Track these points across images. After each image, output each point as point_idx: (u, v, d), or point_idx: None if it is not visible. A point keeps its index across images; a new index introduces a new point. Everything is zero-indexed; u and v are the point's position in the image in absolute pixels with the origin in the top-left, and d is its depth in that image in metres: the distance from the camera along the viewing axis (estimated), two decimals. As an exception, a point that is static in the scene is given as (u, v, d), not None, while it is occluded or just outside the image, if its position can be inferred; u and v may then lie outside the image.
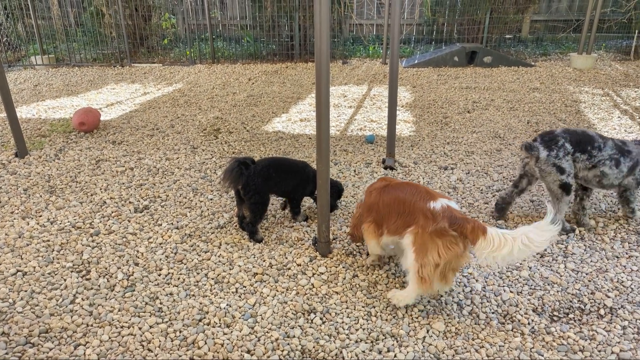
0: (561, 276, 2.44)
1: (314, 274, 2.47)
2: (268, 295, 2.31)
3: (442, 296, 2.28)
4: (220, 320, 2.14)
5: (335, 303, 2.24)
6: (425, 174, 3.75)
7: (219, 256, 2.64)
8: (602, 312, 2.18)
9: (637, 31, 8.50)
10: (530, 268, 2.51)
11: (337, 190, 3.11)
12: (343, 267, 2.52)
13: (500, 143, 4.44)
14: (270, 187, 2.82)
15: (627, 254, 2.64)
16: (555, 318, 2.15)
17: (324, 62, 2.23)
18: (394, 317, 2.15)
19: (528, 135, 4.65)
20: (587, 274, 2.46)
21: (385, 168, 3.86)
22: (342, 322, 2.12)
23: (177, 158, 4.12)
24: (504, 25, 9.26)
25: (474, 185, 3.55)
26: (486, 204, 3.24)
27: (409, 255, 2.11)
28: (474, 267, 2.53)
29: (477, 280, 2.41)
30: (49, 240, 2.79)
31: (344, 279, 2.42)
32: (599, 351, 1.96)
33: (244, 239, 2.81)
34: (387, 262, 2.57)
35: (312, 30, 8.84)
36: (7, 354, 1.96)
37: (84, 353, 1.96)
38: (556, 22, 10.03)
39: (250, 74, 7.87)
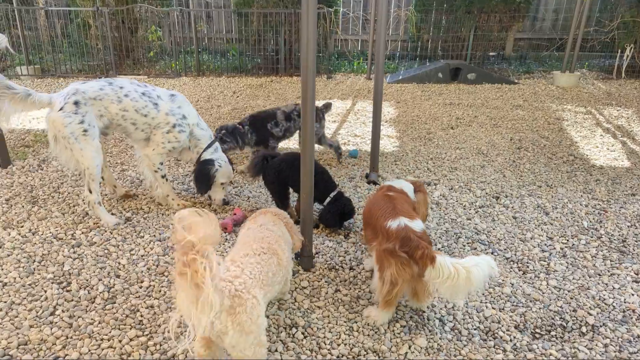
0: (543, 293, 2.49)
1: (296, 288, 2.48)
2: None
3: (424, 312, 2.31)
4: (201, 333, 2.13)
5: (317, 317, 2.26)
6: (408, 189, 3.81)
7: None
8: (584, 329, 2.22)
9: (619, 50, 8.80)
10: (512, 284, 2.56)
11: (342, 207, 3.01)
12: (325, 282, 2.54)
13: (484, 159, 4.55)
14: (283, 179, 3.09)
15: (609, 271, 2.71)
16: (537, 335, 2.19)
17: (310, 76, 2.28)
18: (375, 332, 2.18)
19: (511, 152, 4.77)
20: (569, 292, 2.51)
21: (369, 183, 3.91)
22: (324, 337, 2.13)
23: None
24: (487, 42, 9.51)
25: (457, 201, 3.62)
26: (469, 219, 3.31)
27: (374, 270, 2.17)
28: (454, 280, 2.57)
29: (456, 294, 2.46)
30: (30, 251, 2.76)
31: (327, 293, 2.44)
32: (573, 363, 2.01)
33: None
34: (370, 276, 2.61)
35: (297, 44, 8.96)
36: (-17, 367, 1.93)
37: (63, 366, 1.94)
38: (540, 41, 10.33)
39: (235, 87, 7.91)
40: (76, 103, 2.90)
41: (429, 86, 8.12)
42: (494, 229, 3.19)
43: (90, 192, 3.07)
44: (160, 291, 2.44)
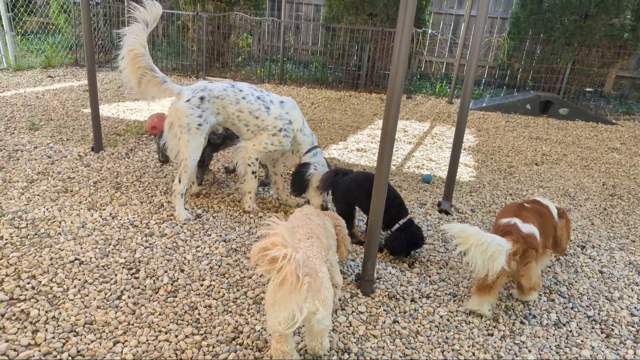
0: (626, 362, 2.21)
1: (353, 312, 2.40)
2: (304, 326, 2.26)
3: None
4: (253, 342, 2.12)
5: (371, 347, 2.16)
6: (483, 224, 3.59)
7: (260, 276, 2.64)
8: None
9: None
10: (592, 348, 2.29)
11: (411, 236, 2.88)
12: (384, 310, 2.43)
13: (570, 203, 4.18)
14: (351, 199, 3.01)
15: None
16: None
17: (395, 96, 2.22)
18: (431, 372, 2.03)
19: (602, 198, 4.35)
20: (656, 363, 2.21)
21: (440, 212, 3.73)
22: (376, 368, 2.03)
23: (235, 171, 4.23)
24: (585, 77, 8.85)
25: (534, 243, 3.34)
26: (548, 267, 3.03)
27: None
28: (528, 335, 2.35)
29: (529, 351, 2.24)
30: (107, 235, 2.93)
31: (384, 322, 2.33)
32: None
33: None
34: (427, 314, 2.45)
35: (380, 62, 8.92)
36: (53, 337, 2.05)
37: (122, 351, 2.01)
38: (644, 80, 9.46)
39: (314, 99, 8.02)
40: (202, 98, 3.17)
41: (515, 117, 7.69)
42: (576, 281, 2.89)
43: (179, 182, 3.26)
44: (219, 292, 2.47)
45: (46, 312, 2.19)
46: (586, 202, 4.22)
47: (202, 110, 3.15)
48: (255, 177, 3.44)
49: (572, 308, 2.62)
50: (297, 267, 1.60)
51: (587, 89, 9.20)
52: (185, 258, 2.76)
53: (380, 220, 2.44)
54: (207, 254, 2.83)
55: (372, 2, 8.59)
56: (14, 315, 2.15)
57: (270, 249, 1.61)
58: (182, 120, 3.13)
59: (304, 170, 3.35)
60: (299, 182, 3.36)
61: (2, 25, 7.66)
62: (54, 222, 3.01)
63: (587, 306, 2.65)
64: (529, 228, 2.45)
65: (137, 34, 3.06)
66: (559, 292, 2.75)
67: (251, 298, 2.44)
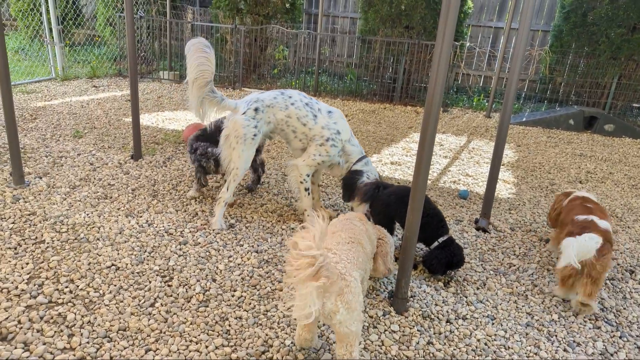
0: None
1: (385, 331, 2.33)
2: (334, 343, 2.21)
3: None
4: (282, 358, 2.08)
5: (404, 367, 2.08)
6: (523, 244, 3.44)
7: (291, 289, 2.61)
8: None
9: None
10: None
11: (451, 256, 2.77)
12: (418, 330, 2.35)
13: (617, 224, 3.96)
14: (390, 213, 2.96)
15: None
16: None
17: (434, 109, 2.16)
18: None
19: (650, 219, 4.10)
20: None
21: (478, 229, 3.61)
22: (409, 391, 1.95)
23: (267, 182, 4.25)
24: (633, 92, 8.46)
25: (578, 265, 3.17)
26: (591, 290, 2.86)
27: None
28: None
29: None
30: (143, 241, 2.98)
31: (418, 343, 2.25)
32: None
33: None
34: (463, 336, 2.35)
35: (416, 74, 8.82)
36: (88, 342, 2.08)
37: (153, 359, 2.01)
38: (696, 97, 8.94)
39: (348, 111, 8.01)
40: (256, 110, 3.29)
41: (557, 132, 7.42)
42: (625, 308, 2.72)
43: (227, 190, 3.33)
44: (250, 304, 2.45)
45: (82, 316, 2.24)
46: (635, 223, 3.99)
47: (257, 121, 3.27)
48: (309, 193, 3.43)
49: (620, 337, 2.45)
50: (319, 267, 1.67)
51: (635, 105, 8.78)
52: (217, 268, 2.77)
53: (415, 236, 2.37)
54: (239, 265, 2.83)
55: (409, 15, 8.55)
56: (52, 318, 2.21)
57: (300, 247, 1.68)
58: (239, 132, 3.25)
59: (357, 177, 3.32)
60: (349, 188, 3.34)
61: (53, 37, 8.07)
62: (93, 227, 3.09)
63: (637, 336, 2.47)
64: (605, 224, 2.79)
65: (202, 62, 3.15)
66: (605, 319, 2.59)
67: (282, 311, 2.41)
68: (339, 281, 1.81)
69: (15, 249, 2.76)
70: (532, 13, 3.20)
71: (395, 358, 2.14)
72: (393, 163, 5.21)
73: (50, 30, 8.05)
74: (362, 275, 2.10)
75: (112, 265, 2.69)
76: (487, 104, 8.72)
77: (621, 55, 8.23)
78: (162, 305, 2.38)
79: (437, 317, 2.47)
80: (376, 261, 2.52)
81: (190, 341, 2.14)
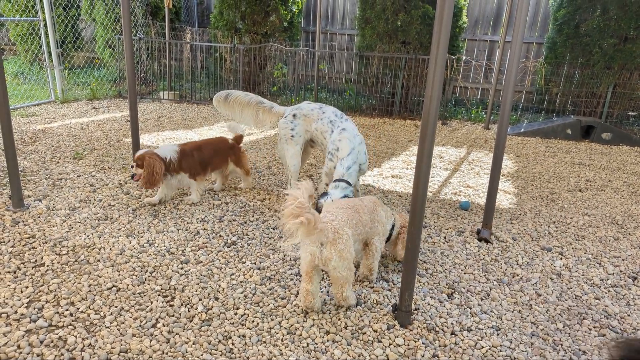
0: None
1: (390, 344, 2.30)
2: (339, 359, 2.19)
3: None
4: (287, 375, 2.06)
5: (410, 382, 2.05)
6: (525, 253, 3.43)
7: (294, 305, 2.60)
8: None
9: None
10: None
11: None
12: (423, 343, 2.32)
13: (618, 231, 3.95)
14: None
15: None
16: None
17: (431, 122, 2.18)
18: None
19: (652, 226, 4.09)
20: None
21: (480, 240, 3.60)
22: (416, 407, 1.92)
23: (269, 199, 4.25)
24: (628, 101, 8.52)
25: (583, 275, 3.15)
26: (597, 299, 2.84)
27: None
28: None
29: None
30: (144, 261, 2.97)
31: (423, 356, 2.23)
32: None
33: (321, 292, 2.75)
34: (468, 348, 2.32)
35: (414, 88, 8.90)
36: (88, 365, 2.05)
37: (155, 381, 1.99)
38: (692, 103, 8.99)
39: (348, 126, 8.04)
40: (294, 115, 3.98)
41: (555, 142, 7.45)
42: (628, 315, 2.69)
43: (290, 187, 3.90)
44: (253, 321, 2.43)
45: (83, 339, 2.22)
46: (636, 230, 3.97)
47: (294, 124, 3.94)
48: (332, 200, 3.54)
49: (628, 346, 2.42)
50: (300, 207, 2.12)
51: (631, 113, 8.83)
52: (219, 286, 2.75)
53: (417, 249, 2.37)
54: (241, 282, 2.81)
55: (405, 31, 8.66)
56: (52, 342, 2.19)
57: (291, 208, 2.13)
58: (281, 132, 4.00)
59: (320, 197, 3.25)
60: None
61: (52, 61, 8.16)
62: (93, 248, 3.09)
63: (645, 345, 2.44)
64: None
65: (246, 93, 4.15)
66: (609, 327, 2.56)
67: (285, 328, 2.39)
68: (332, 233, 2.33)
69: (15, 272, 2.75)
70: (524, 26, 3.25)
71: (401, 373, 2.11)
72: (394, 176, 5.22)
73: (50, 53, 8.14)
74: (356, 238, 2.57)
75: (113, 286, 2.67)
76: (485, 116, 8.77)
77: (615, 65, 8.31)
78: (164, 325, 2.36)
79: (442, 329, 2.45)
80: (396, 245, 2.99)
81: (193, 361, 2.12)
